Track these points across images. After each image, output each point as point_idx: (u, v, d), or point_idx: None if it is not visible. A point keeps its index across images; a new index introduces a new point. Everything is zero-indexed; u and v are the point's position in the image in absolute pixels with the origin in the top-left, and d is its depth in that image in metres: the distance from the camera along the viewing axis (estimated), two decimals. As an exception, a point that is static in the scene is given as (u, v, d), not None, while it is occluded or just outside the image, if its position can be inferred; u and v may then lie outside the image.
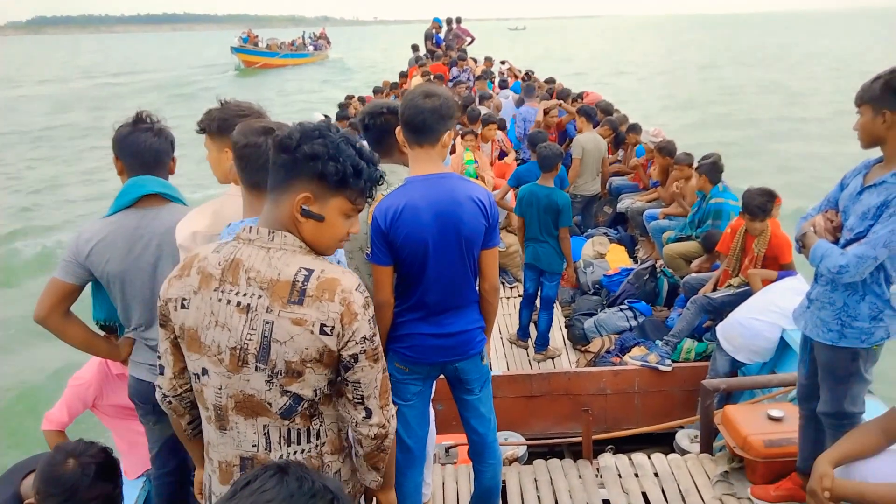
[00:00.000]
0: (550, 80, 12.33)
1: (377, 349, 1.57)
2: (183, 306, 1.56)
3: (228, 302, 1.51)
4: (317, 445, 1.62)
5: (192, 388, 1.66)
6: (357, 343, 1.52)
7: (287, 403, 1.54)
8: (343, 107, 10.62)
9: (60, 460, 1.90)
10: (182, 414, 1.75)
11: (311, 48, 45.22)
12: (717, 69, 31.73)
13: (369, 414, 1.59)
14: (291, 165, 1.50)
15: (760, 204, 4.19)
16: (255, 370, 1.51)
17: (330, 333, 1.49)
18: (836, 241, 2.50)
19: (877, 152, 2.46)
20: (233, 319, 1.50)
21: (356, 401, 1.58)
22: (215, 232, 2.04)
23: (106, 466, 1.95)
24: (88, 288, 2.46)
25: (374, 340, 1.56)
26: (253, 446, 1.58)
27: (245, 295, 1.50)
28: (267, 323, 1.48)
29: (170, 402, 1.72)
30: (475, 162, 6.48)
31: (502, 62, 14.70)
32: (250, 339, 1.49)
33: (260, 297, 1.49)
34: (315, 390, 1.55)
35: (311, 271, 1.50)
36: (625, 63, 37.45)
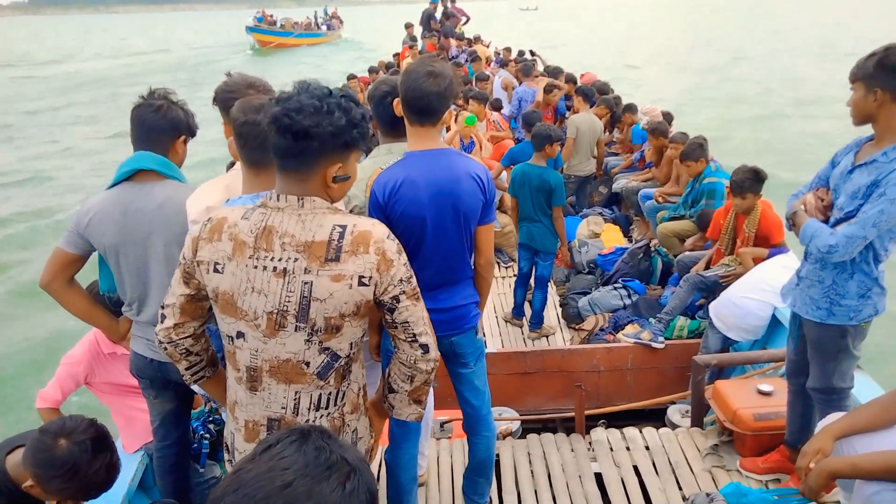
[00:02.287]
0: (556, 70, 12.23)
1: (416, 289, 1.66)
2: (216, 270, 1.62)
3: (265, 268, 1.57)
4: (339, 407, 1.70)
5: (199, 340, 1.78)
6: (395, 286, 1.61)
7: (325, 361, 1.62)
8: (344, 87, 10.55)
9: (51, 442, 1.91)
10: (178, 360, 1.82)
11: (324, 28, 44.90)
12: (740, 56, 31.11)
13: (426, 349, 1.69)
14: (318, 148, 1.56)
15: (740, 181, 4.24)
16: (295, 330, 1.58)
17: (368, 283, 1.58)
18: (826, 220, 2.50)
19: (868, 130, 2.46)
20: (270, 285, 1.57)
21: (410, 339, 1.68)
22: None
23: (99, 438, 1.98)
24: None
25: (412, 281, 1.66)
26: (282, 408, 1.66)
27: (280, 260, 1.57)
28: (305, 283, 1.56)
29: (165, 348, 1.79)
30: (474, 119, 6.51)
31: (506, 49, 14.52)
32: (289, 302, 1.57)
33: (297, 259, 1.56)
34: (351, 343, 1.65)
35: (344, 227, 1.58)
36: (646, 46, 36.92)
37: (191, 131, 2.48)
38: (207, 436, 2.98)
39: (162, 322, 1.76)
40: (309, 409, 1.65)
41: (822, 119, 15.97)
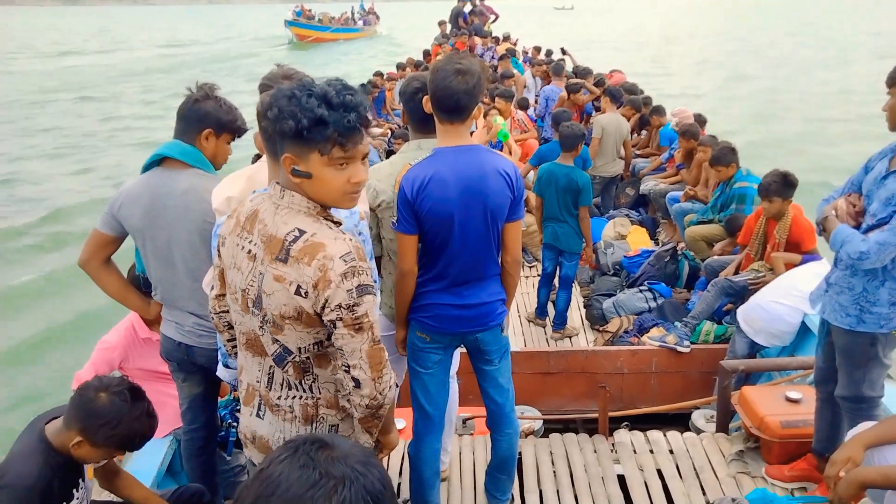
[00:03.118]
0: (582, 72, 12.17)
1: (359, 319, 1.54)
2: (223, 244, 1.74)
3: (242, 248, 1.66)
4: (312, 397, 1.70)
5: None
6: (332, 310, 1.53)
7: (277, 351, 1.66)
8: (367, 84, 10.62)
9: (92, 395, 2.02)
10: (221, 331, 1.93)
11: (360, 23, 45.28)
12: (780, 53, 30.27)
13: (358, 384, 1.59)
14: (269, 131, 1.59)
15: (767, 184, 4.21)
16: (252, 314, 1.65)
17: (304, 296, 1.54)
18: (857, 226, 2.47)
19: None
20: (243, 265, 1.65)
21: (343, 368, 1.59)
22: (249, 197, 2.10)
23: (134, 388, 2.11)
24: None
25: (356, 311, 1.53)
26: (257, 381, 1.74)
27: (254, 244, 1.63)
28: (260, 273, 1.60)
29: (211, 318, 1.91)
30: (507, 135, 6.53)
31: (535, 48, 14.44)
32: (251, 286, 1.63)
33: (261, 248, 1.61)
34: (300, 348, 1.63)
35: (302, 233, 1.55)
36: (688, 48, 36.47)
37: (222, 127, 2.47)
38: (235, 424, 3.03)
39: (210, 292, 1.91)
40: (280, 386, 1.69)
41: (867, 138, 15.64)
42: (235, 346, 1.89)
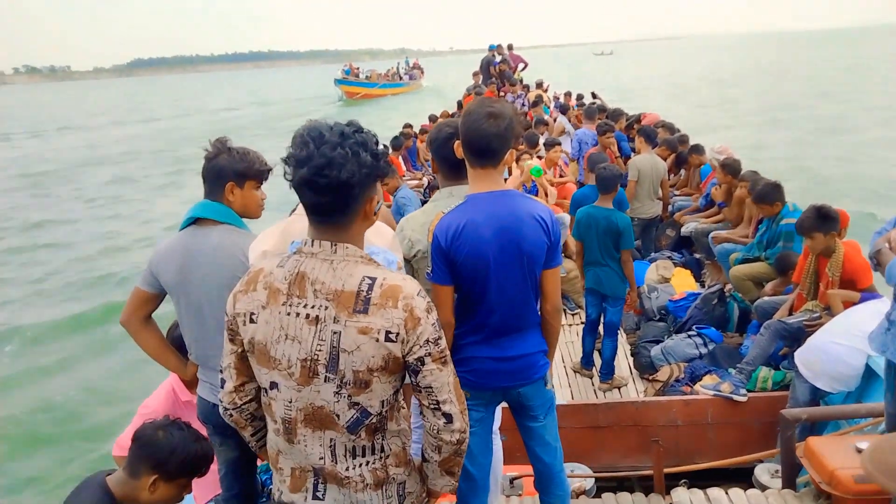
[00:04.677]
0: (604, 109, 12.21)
1: (444, 352, 1.59)
2: (252, 321, 1.59)
3: (297, 315, 1.54)
4: (381, 458, 1.63)
5: (261, 401, 1.72)
6: (421, 346, 1.54)
7: (354, 417, 1.56)
8: (400, 136, 10.80)
9: (151, 434, 2.17)
10: (244, 426, 1.80)
11: (406, 78, 46.78)
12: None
13: (450, 419, 1.61)
14: (359, 193, 1.56)
15: (801, 221, 4.13)
16: (325, 381, 1.53)
17: (395, 340, 1.52)
18: None
19: None
20: (302, 332, 1.53)
21: (433, 406, 1.60)
22: (283, 250, 2.08)
23: (176, 421, 2.27)
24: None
25: (440, 343, 1.58)
26: (320, 459, 1.61)
27: (313, 307, 1.53)
28: (335, 333, 1.51)
29: (231, 415, 1.77)
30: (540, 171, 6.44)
31: (567, 94, 14.52)
32: (320, 350, 1.52)
33: (327, 308, 1.51)
34: (382, 401, 1.58)
35: (374, 279, 1.54)
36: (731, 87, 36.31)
37: (242, 176, 2.46)
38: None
39: (223, 387, 1.74)
40: (346, 457, 1.60)
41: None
42: (261, 440, 1.81)
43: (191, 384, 2.87)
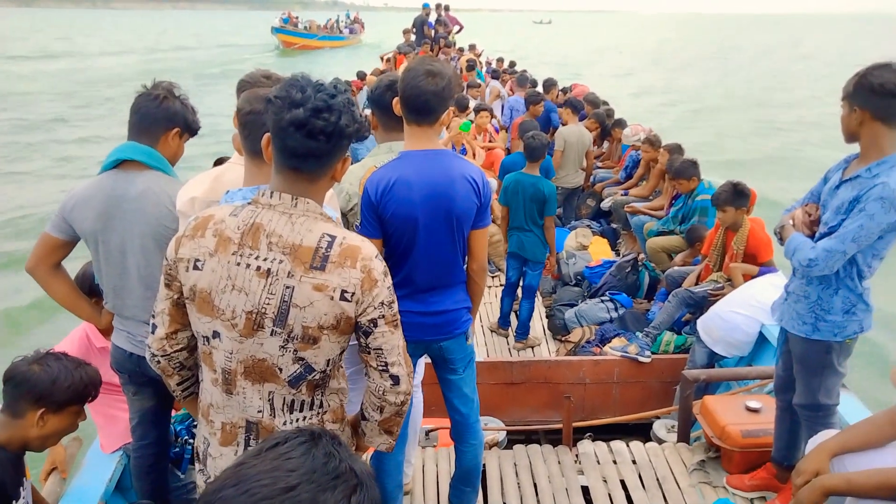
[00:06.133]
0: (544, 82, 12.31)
1: (396, 316, 1.60)
2: (196, 267, 1.54)
3: (248, 266, 1.50)
4: (318, 413, 1.64)
5: (192, 351, 1.69)
6: (376, 308, 1.54)
7: (297, 371, 1.55)
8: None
9: (25, 371, 2.04)
10: (171, 374, 1.74)
11: (346, 31, 45.16)
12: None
13: (397, 381, 1.62)
14: (346, 146, 1.54)
15: (717, 194, 4.41)
16: (271, 334, 1.51)
17: (350, 300, 1.51)
18: (812, 235, 2.52)
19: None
20: (251, 284, 1.50)
21: (381, 368, 1.61)
22: (213, 198, 2.03)
23: (61, 354, 2.15)
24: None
25: (393, 307, 1.59)
26: (258, 412, 1.60)
27: (265, 259, 1.50)
28: (287, 287, 1.49)
29: (158, 362, 1.71)
30: (469, 125, 6.53)
31: (499, 60, 14.48)
32: (268, 304, 1.50)
33: (281, 261, 1.49)
34: (328, 360, 1.58)
35: (333, 238, 1.52)
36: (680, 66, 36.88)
37: (188, 127, 2.41)
38: (191, 441, 2.91)
39: (153, 332, 1.68)
40: (283, 410, 1.59)
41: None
42: (186, 390, 1.77)
43: (107, 332, 2.77)
